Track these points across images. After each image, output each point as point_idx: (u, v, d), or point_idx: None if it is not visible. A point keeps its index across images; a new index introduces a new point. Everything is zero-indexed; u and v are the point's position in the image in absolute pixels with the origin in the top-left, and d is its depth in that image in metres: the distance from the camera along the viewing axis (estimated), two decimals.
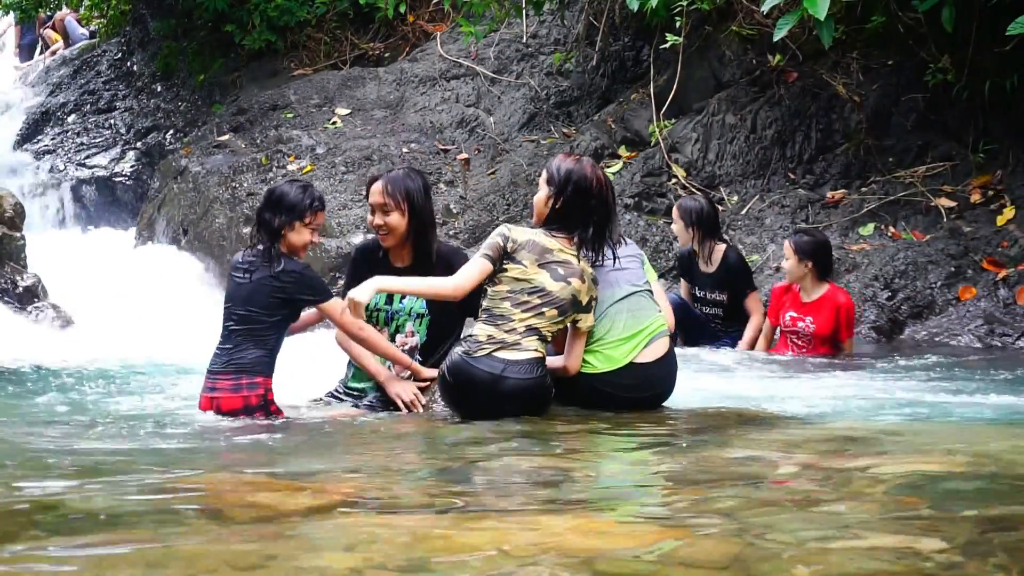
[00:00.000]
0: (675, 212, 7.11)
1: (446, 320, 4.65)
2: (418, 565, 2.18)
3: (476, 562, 2.20)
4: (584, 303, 4.39)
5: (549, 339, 4.37)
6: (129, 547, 2.32)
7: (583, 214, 4.40)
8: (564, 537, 2.41)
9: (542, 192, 4.48)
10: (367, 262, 4.67)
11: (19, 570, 2.14)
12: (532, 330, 4.29)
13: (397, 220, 4.52)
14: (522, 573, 2.14)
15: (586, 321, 4.41)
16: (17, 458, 3.49)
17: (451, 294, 4.32)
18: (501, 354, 4.23)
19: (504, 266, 4.30)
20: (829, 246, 6.82)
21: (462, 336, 4.47)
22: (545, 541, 2.36)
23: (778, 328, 6.82)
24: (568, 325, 4.41)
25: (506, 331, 4.26)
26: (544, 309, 4.29)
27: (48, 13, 15.66)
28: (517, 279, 4.30)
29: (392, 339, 4.63)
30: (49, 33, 16.82)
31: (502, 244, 4.31)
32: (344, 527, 2.52)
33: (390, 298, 4.64)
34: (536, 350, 4.30)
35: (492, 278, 4.32)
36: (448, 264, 4.51)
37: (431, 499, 2.96)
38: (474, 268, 4.32)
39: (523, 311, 4.27)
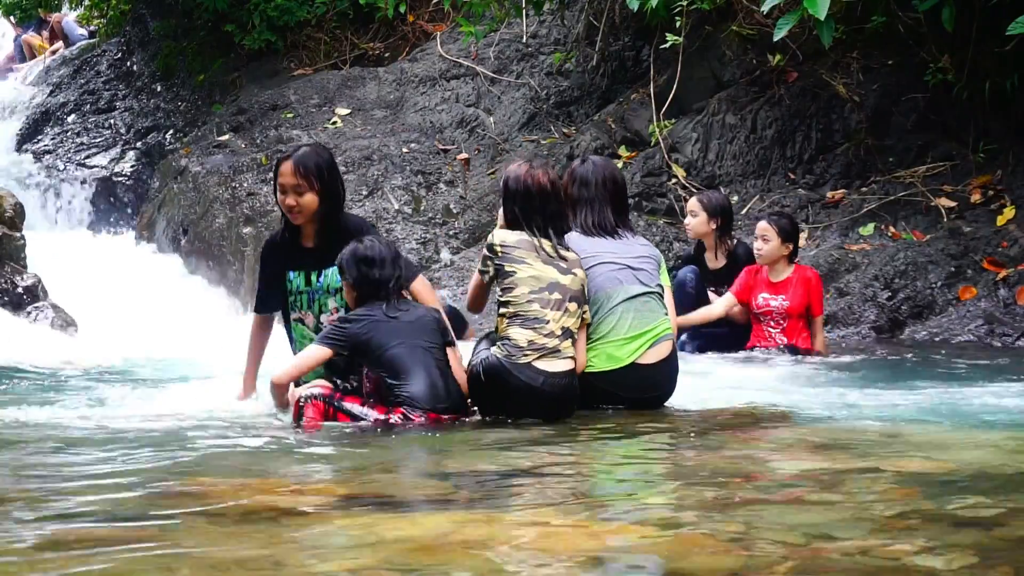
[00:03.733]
0: (695, 204, 6.96)
1: None
2: (420, 565, 2.18)
3: (478, 561, 2.20)
4: (585, 293, 4.44)
5: (576, 337, 4.39)
6: (133, 549, 2.32)
7: (533, 218, 4.41)
8: (565, 536, 2.41)
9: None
10: (276, 253, 4.74)
11: (23, 572, 2.14)
12: (566, 332, 4.32)
13: (310, 200, 4.53)
14: (524, 572, 2.15)
15: (588, 312, 4.47)
16: (18, 460, 3.49)
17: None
18: (541, 364, 4.25)
19: (509, 270, 4.32)
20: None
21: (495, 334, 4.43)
22: (546, 540, 2.36)
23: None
24: None
25: (545, 335, 4.27)
26: (567, 304, 4.33)
27: (28, 22, 15.75)
28: (533, 278, 4.31)
29: (318, 320, 4.62)
30: (28, 39, 16.78)
31: (489, 253, 4.38)
32: (347, 527, 2.52)
33: (308, 279, 4.64)
34: (571, 357, 4.34)
35: (503, 286, 4.33)
36: (355, 236, 4.48)
37: (433, 498, 2.96)
38: (473, 284, 4.54)
39: (552, 310, 4.29)
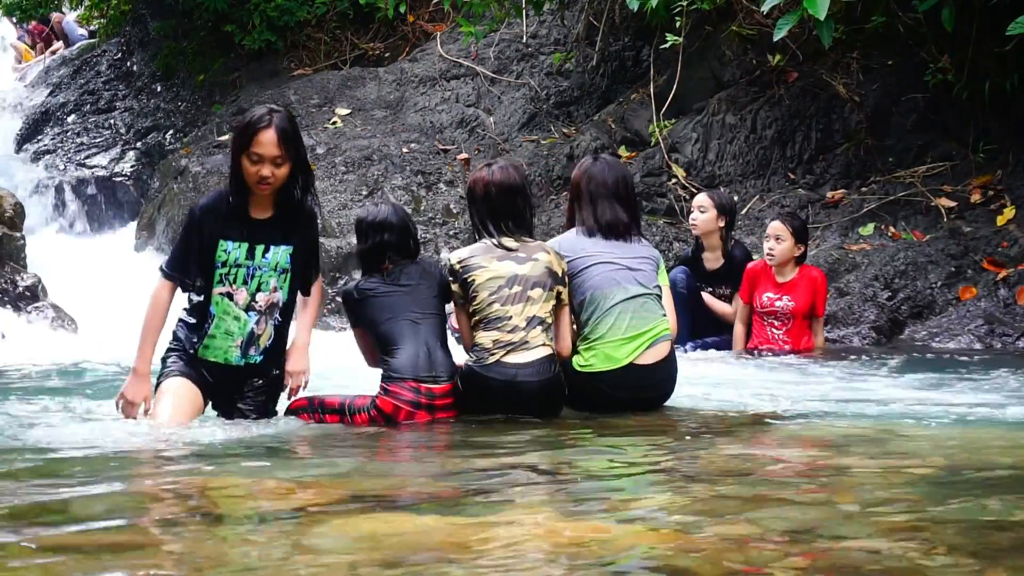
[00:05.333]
0: (706, 200, 6.90)
1: (307, 277, 4.42)
2: (417, 564, 2.18)
3: (474, 562, 2.20)
4: (560, 274, 4.44)
5: (551, 322, 4.39)
6: (132, 549, 2.32)
7: (494, 218, 4.44)
8: (563, 537, 2.41)
9: None
10: (214, 219, 4.26)
11: (23, 571, 2.14)
12: (533, 320, 4.31)
13: (285, 171, 4.18)
14: (521, 573, 2.15)
15: (566, 294, 4.46)
16: (18, 460, 3.49)
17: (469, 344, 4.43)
18: (510, 358, 4.27)
19: (469, 280, 4.35)
20: None
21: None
22: (544, 541, 2.36)
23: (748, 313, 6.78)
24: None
25: (509, 331, 4.28)
26: (529, 293, 4.34)
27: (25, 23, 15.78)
28: (491, 279, 4.35)
29: (252, 298, 4.26)
30: (15, 44, 16.80)
31: (451, 276, 4.42)
32: (345, 526, 2.52)
33: (251, 252, 4.25)
34: (544, 344, 4.33)
35: (468, 297, 4.36)
36: (310, 219, 4.36)
37: (432, 498, 2.96)
38: (459, 321, 4.46)
39: (513, 304, 4.31)
